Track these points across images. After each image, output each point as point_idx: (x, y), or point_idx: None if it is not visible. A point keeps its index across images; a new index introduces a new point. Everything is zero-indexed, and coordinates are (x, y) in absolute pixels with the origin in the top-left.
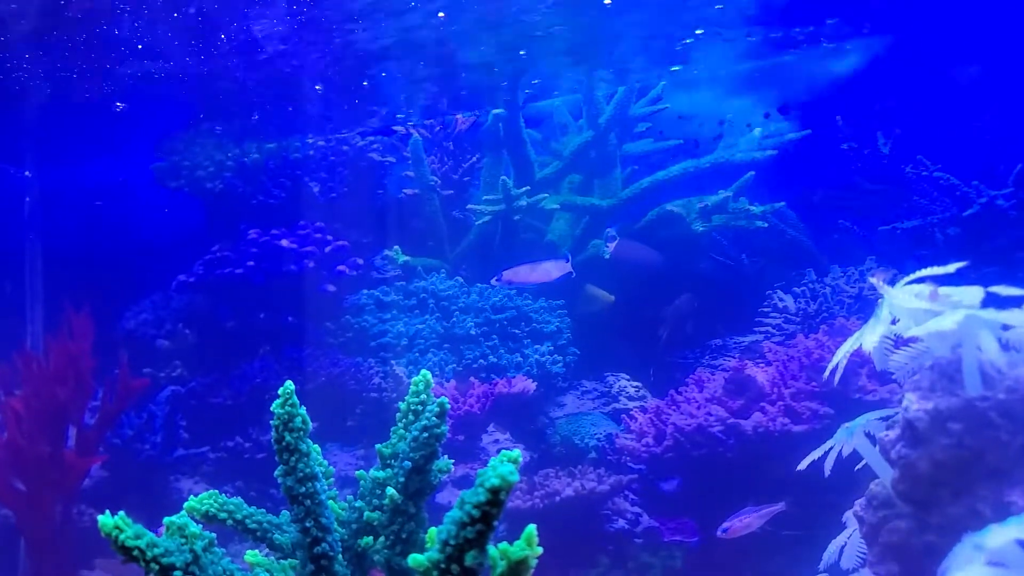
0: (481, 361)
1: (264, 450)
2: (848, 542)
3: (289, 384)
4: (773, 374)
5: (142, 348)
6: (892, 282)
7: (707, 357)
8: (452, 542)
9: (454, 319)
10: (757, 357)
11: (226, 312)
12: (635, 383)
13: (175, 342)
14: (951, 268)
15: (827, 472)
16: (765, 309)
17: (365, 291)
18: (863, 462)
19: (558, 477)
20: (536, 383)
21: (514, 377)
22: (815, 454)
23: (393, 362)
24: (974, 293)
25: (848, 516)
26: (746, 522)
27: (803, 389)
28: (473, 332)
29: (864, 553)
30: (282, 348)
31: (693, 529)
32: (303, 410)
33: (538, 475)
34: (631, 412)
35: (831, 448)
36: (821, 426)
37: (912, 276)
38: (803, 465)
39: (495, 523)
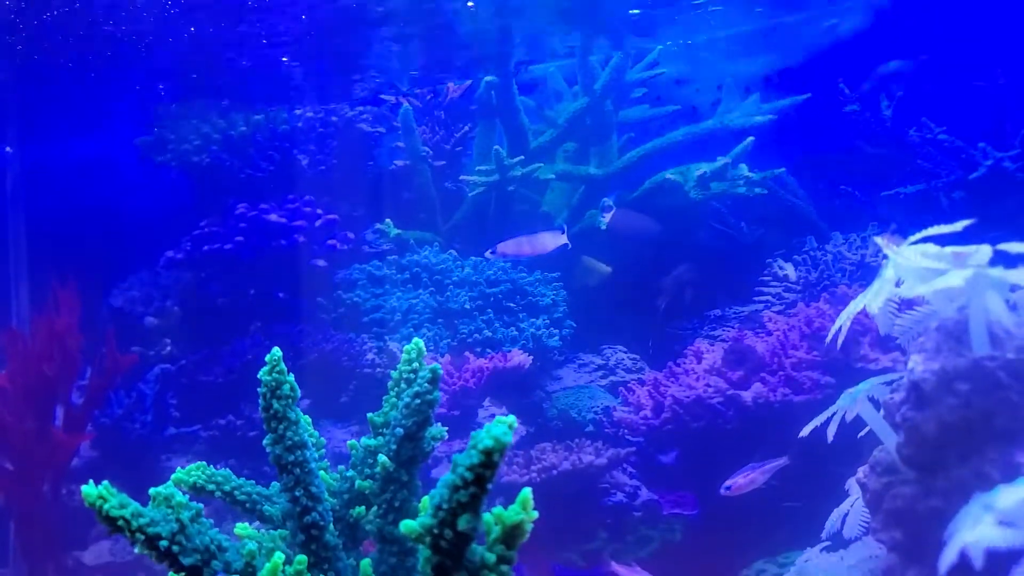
0: (476, 335)
1: (256, 428)
2: (851, 510)
3: (276, 351)
4: (773, 344)
5: (130, 326)
6: (897, 242)
7: (706, 328)
8: (445, 506)
9: (448, 293)
10: (757, 327)
11: (215, 288)
12: (633, 355)
13: (164, 319)
14: (958, 226)
15: (830, 438)
16: (765, 278)
17: (357, 266)
18: (866, 429)
19: (555, 451)
20: (532, 357)
21: (510, 351)
22: (817, 420)
23: (387, 338)
24: (982, 252)
25: (851, 483)
26: (750, 478)
27: (804, 359)
28: (468, 306)
29: (867, 521)
30: (273, 324)
31: (693, 502)
32: (291, 377)
33: (535, 449)
34: (629, 385)
35: (834, 414)
36: (823, 396)
37: (918, 235)
38: (805, 432)
39: (489, 486)
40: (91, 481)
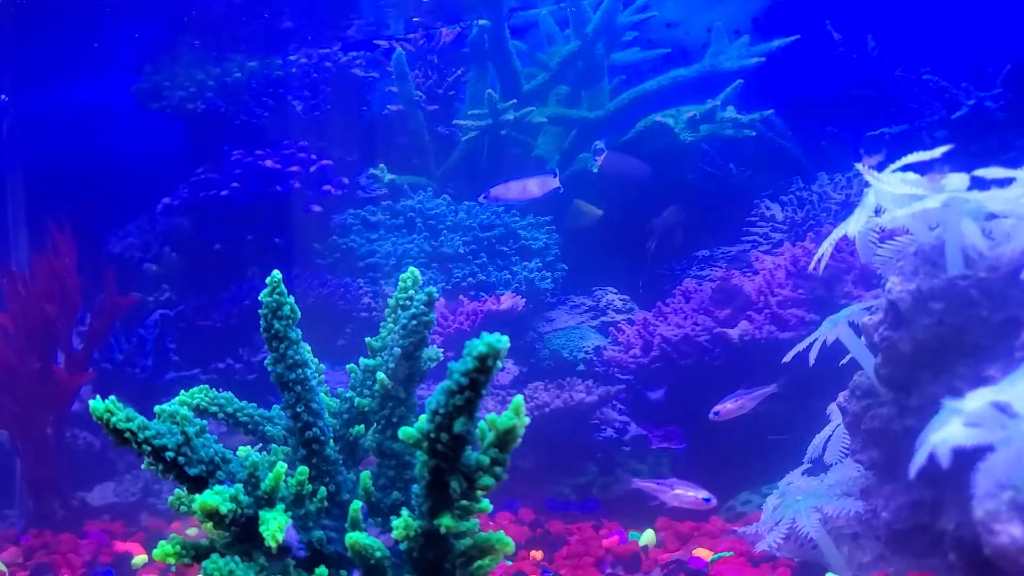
0: (470, 279)
1: (255, 371)
2: (833, 435)
3: (276, 273)
4: (760, 283)
5: (129, 272)
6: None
7: (694, 268)
8: (441, 411)
9: (442, 238)
10: (744, 266)
11: (212, 234)
12: (623, 296)
13: (162, 265)
14: (936, 152)
15: (811, 361)
16: (752, 218)
17: (351, 211)
18: (848, 356)
19: (547, 390)
20: (525, 299)
21: (503, 294)
22: (800, 346)
23: (382, 282)
24: (959, 178)
25: (832, 408)
26: (739, 404)
27: (790, 297)
28: (461, 250)
29: (847, 445)
30: (270, 269)
31: (680, 436)
32: (291, 299)
33: (527, 388)
34: (619, 324)
35: (816, 340)
36: (808, 333)
37: (899, 163)
38: (788, 357)
39: (484, 391)
40: (98, 396)
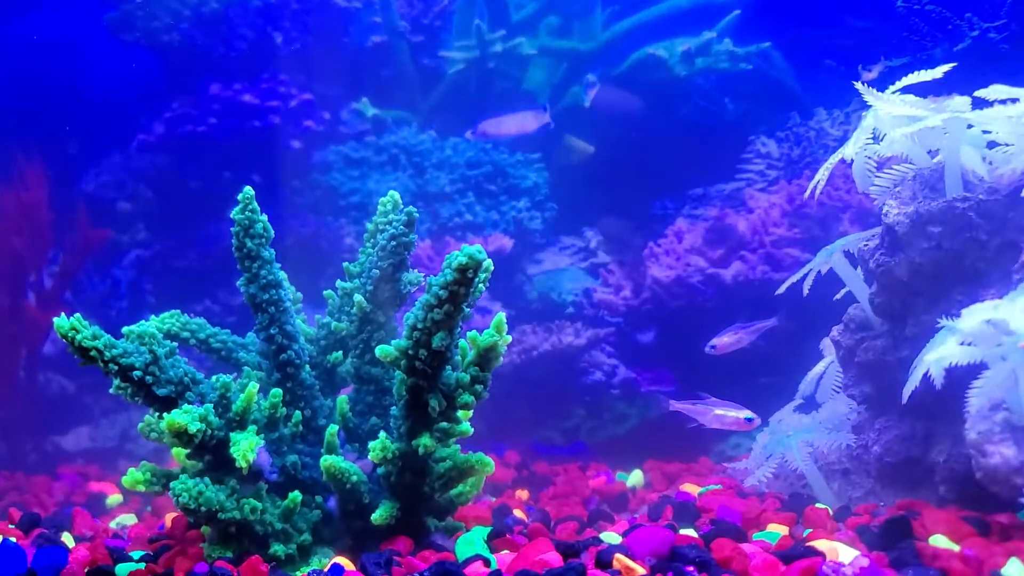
0: (456, 219)
1: (234, 313)
2: (825, 371)
3: (248, 189)
4: (754, 222)
5: (103, 211)
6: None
7: (687, 207)
8: (420, 326)
9: (427, 176)
10: (739, 205)
11: (189, 172)
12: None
13: (137, 204)
14: (938, 72)
15: (806, 291)
16: (747, 155)
17: (333, 147)
18: (843, 290)
19: (535, 333)
20: (513, 240)
21: (491, 235)
22: (794, 277)
23: (365, 222)
24: (960, 100)
25: (825, 343)
26: (736, 337)
27: (785, 236)
28: (447, 189)
29: (840, 383)
30: None
31: (670, 379)
32: (264, 217)
33: (515, 331)
34: (609, 266)
35: (810, 270)
36: None
37: (898, 84)
38: (782, 289)
39: (463, 305)
40: (63, 314)
